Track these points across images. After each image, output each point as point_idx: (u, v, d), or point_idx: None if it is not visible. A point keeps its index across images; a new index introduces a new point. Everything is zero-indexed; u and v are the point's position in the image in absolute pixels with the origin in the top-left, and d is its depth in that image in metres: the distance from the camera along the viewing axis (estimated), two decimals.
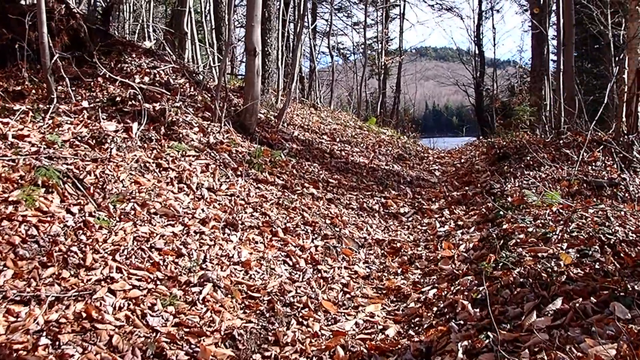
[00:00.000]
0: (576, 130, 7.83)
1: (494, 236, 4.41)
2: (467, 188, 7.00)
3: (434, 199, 6.82)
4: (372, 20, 34.05)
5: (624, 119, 6.29)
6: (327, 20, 27.44)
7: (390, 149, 10.26)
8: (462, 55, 34.06)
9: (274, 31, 10.11)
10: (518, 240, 4.02)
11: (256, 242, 4.47)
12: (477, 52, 31.65)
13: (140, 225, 4.02)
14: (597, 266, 3.32)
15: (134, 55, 7.40)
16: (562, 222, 4.13)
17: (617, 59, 13.13)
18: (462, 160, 9.84)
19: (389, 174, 8.21)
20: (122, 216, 4.04)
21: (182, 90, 7.09)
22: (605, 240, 3.61)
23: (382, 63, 24.96)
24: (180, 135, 5.89)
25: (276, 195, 5.63)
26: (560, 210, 4.52)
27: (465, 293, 3.54)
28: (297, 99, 11.55)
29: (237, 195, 5.18)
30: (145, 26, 11.23)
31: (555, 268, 3.36)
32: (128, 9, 12.82)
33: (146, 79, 6.82)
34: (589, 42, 23.50)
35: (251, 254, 4.23)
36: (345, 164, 8.09)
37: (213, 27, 11.65)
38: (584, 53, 22.34)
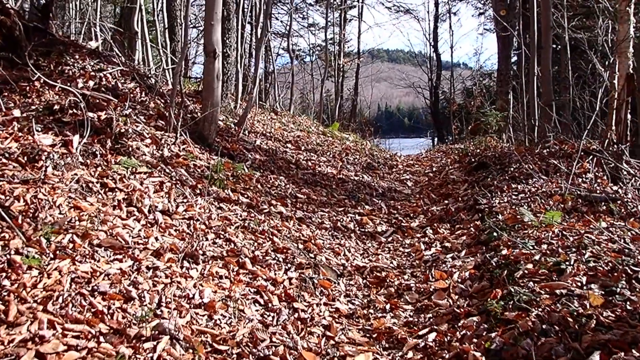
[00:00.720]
0: (561, 138, 7.46)
1: (493, 264, 3.89)
2: (446, 202, 6.51)
3: (412, 215, 6.30)
4: (329, 21, 33.59)
5: (613, 127, 5.92)
6: (282, 22, 26.87)
7: (357, 157, 9.72)
8: (417, 58, 34.08)
9: (233, 31, 9.44)
10: (526, 272, 3.50)
11: (221, 277, 3.80)
12: (433, 54, 31.71)
13: (80, 262, 3.31)
14: (628, 306, 2.84)
15: (77, 57, 6.61)
16: (572, 248, 3.65)
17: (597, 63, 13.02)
18: (434, 169, 9.40)
19: (359, 185, 7.66)
20: (57, 252, 3.31)
21: (132, 96, 6.34)
22: (631, 273, 3.13)
23: (341, 65, 24.49)
24: (130, 148, 5.16)
25: (241, 216, 4.98)
26: (564, 232, 4.06)
27: (475, 340, 2.99)
28: (257, 104, 10.89)
29: (196, 219, 4.49)
30: (92, 25, 10.35)
31: (581, 310, 2.86)
32: (74, 7, 11.88)
33: (90, 83, 6.05)
34: None
35: (215, 292, 3.57)
36: (313, 176, 7.49)
37: (166, 26, 10.86)
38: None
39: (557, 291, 3.10)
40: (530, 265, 3.58)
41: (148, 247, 3.77)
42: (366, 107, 33.27)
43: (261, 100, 15.00)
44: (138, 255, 3.60)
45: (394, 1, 30.01)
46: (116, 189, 4.32)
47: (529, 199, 5.25)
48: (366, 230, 5.68)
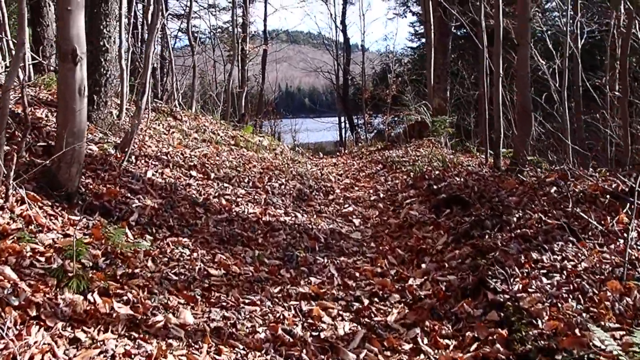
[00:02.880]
0: (561, 170, 5.74)
1: None
2: (424, 266, 4.62)
3: (381, 293, 4.33)
4: (229, 2, 31.00)
5: None
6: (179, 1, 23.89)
7: (283, 180, 7.59)
8: (319, 39, 32.39)
9: (113, 17, 6.97)
10: None
11: None
12: (342, 38, 29.98)
13: None
14: None
15: None
16: None
17: None
18: (381, 195, 7.51)
19: (294, 232, 5.60)
20: None
21: None
22: None
23: (247, 51, 22.11)
24: None
25: (112, 354, 2.80)
26: None
27: None
28: (150, 107, 8.47)
29: None
30: None
31: None
32: None
33: None
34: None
35: None
36: (229, 224, 5.33)
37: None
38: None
39: None
40: None
41: None
42: (270, 90, 31.34)
43: (156, 98, 12.42)
44: None
45: None
46: None
47: (570, 286, 3.48)
48: (322, 336, 3.66)
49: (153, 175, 5.90)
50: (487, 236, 4.55)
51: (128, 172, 5.65)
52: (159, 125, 8.59)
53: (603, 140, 9.83)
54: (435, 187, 6.84)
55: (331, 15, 29.77)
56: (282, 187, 7.25)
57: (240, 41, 22.22)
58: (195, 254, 4.44)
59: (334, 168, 10.61)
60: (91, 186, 4.90)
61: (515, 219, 4.67)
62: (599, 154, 9.54)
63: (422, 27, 28.19)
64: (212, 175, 6.70)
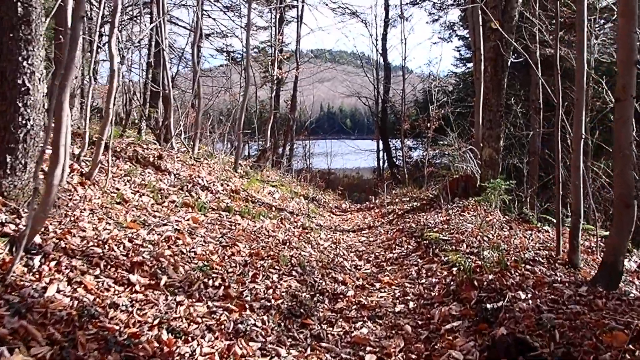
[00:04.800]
0: None
1: None
2: None
3: None
4: (266, 22, 29.46)
5: None
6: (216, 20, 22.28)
7: (274, 276, 5.27)
8: (362, 60, 30.44)
9: (38, 45, 5.07)
10: None
11: None
12: (382, 63, 27.89)
13: None
14: None
15: None
16: None
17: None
18: (412, 305, 5.13)
19: None
20: None
21: None
22: None
23: (275, 76, 20.19)
24: None
25: None
26: None
27: None
28: (111, 162, 6.49)
29: None
30: None
31: None
32: None
33: None
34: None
35: None
36: None
37: None
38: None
39: None
40: None
41: None
42: (310, 111, 29.72)
43: (157, 136, 10.48)
44: None
45: (340, 2, 26.13)
46: None
47: None
48: None
49: (58, 292, 3.87)
50: None
51: (13, 290, 3.63)
52: (125, 184, 6.62)
53: None
54: (489, 308, 4.61)
55: (371, 37, 27.89)
56: (270, 291, 5.09)
57: (270, 64, 20.39)
58: None
59: (355, 237, 8.41)
60: None
61: None
62: None
63: (468, 51, 25.98)
64: (164, 279, 4.60)
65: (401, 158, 24.94)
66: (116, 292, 4.19)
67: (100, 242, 4.81)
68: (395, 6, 26.20)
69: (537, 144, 16.16)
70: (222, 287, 4.83)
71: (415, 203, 10.91)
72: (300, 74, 24.88)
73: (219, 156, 12.32)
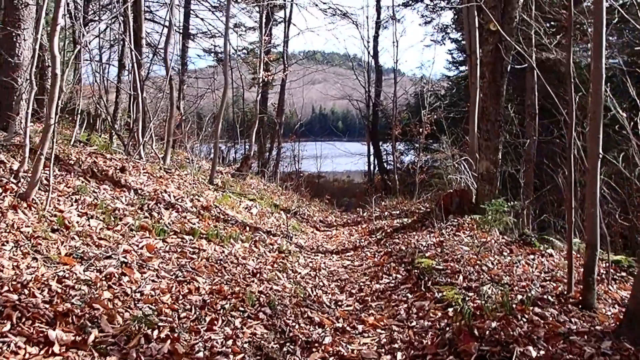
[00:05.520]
0: None
1: None
2: None
3: None
4: (255, 22, 28.52)
5: None
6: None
7: (237, 321, 4.42)
8: (353, 61, 29.59)
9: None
10: None
11: None
12: (373, 65, 27.11)
13: None
14: None
15: None
16: None
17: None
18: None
19: None
20: None
21: None
22: None
23: (261, 79, 19.23)
24: None
25: None
26: None
27: None
28: (52, 179, 5.61)
29: None
30: None
31: None
32: None
33: None
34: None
35: None
36: None
37: None
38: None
39: None
40: None
41: None
42: (299, 111, 29.09)
43: (125, 140, 9.58)
44: None
45: (330, 3, 25.29)
46: None
47: None
48: None
49: None
50: None
51: None
52: (72, 204, 5.74)
53: None
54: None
55: (362, 39, 27.06)
56: (230, 342, 4.21)
57: (257, 66, 19.45)
58: None
59: (339, 261, 7.55)
60: None
61: None
62: None
63: (461, 54, 25.24)
64: (94, 334, 3.71)
65: (392, 163, 24.16)
66: (26, 357, 3.30)
67: (18, 285, 3.92)
68: (387, 8, 25.41)
69: (532, 151, 15.41)
70: (169, 340, 3.94)
71: (405, 219, 10.05)
72: (291, 75, 24.06)
73: (196, 165, 11.42)
